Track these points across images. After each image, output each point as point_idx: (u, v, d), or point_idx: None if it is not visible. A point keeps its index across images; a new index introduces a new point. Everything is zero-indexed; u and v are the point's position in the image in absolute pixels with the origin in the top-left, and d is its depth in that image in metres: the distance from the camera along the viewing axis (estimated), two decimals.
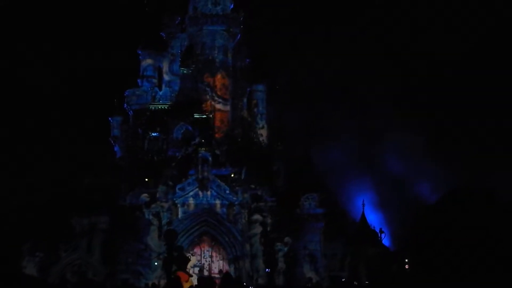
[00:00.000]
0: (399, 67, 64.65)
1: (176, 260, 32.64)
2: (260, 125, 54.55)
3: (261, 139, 54.07)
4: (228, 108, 54.48)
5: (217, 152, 49.89)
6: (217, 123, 53.47)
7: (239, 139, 51.91)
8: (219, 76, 53.95)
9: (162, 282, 43.38)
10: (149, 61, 54.46)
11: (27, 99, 60.16)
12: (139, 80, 54.68)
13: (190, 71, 53.38)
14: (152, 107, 53.07)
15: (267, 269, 47.09)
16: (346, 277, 46.75)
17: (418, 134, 59.48)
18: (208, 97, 53.29)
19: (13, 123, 59.24)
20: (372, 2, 71.07)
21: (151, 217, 46.91)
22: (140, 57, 54.91)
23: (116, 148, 54.56)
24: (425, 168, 57.29)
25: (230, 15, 54.80)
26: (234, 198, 48.09)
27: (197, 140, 50.32)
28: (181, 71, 53.54)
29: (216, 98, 53.64)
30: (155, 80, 54.70)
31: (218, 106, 53.79)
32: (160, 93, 54.11)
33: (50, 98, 60.67)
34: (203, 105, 52.68)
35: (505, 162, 54.38)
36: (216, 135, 52.71)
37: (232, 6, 55.93)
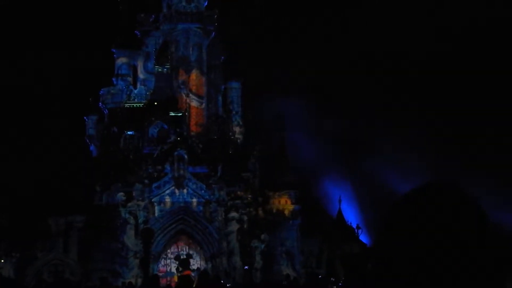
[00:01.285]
0: (375, 65, 65.68)
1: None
2: (236, 123, 54.40)
3: (236, 136, 53.95)
4: (203, 106, 54.24)
5: (195, 149, 49.62)
6: (193, 120, 53.29)
7: (215, 137, 51.66)
8: (193, 73, 53.75)
9: (139, 280, 43.29)
10: (123, 59, 54.04)
11: None
12: (114, 79, 54.27)
13: (165, 70, 53.22)
14: (127, 105, 52.71)
15: (245, 267, 47.11)
16: (323, 274, 46.57)
17: (396, 130, 60.69)
18: (183, 95, 53.07)
19: None
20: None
21: (127, 215, 46.85)
22: (114, 55, 54.42)
23: (91, 148, 53.97)
24: (400, 163, 58.32)
25: (204, 13, 54.44)
26: (211, 196, 48.05)
27: (172, 138, 50.25)
28: (156, 69, 53.35)
29: (191, 95, 53.47)
30: (130, 79, 54.31)
31: (193, 103, 53.68)
32: (135, 91, 53.77)
33: (24, 97, 60.17)
34: (178, 103, 52.50)
35: (478, 159, 55.51)
36: (192, 132, 52.54)
37: (206, 4, 55.48)
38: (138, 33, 54.31)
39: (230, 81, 55.35)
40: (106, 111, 53.43)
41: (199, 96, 53.75)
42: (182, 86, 53.00)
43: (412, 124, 61.93)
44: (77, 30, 62.72)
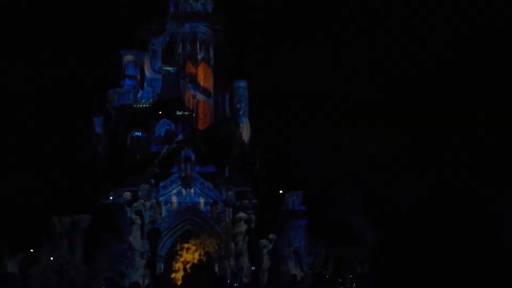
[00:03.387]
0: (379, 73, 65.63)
1: None
2: (243, 124, 53.67)
3: (243, 137, 53.22)
4: (210, 102, 53.81)
5: (202, 149, 49.07)
6: (200, 117, 52.94)
7: (222, 138, 51.04)
8: (201, 67, 53.49)
9: (146, 281, 42.87)
10: (130, 58, 54.00)
11: (10, 101, 59.63)
12: (121, 81, 53.96)
13: (172, 70, 53.02)
14: (134, 105, 52.52)
15: (252, 268, 46.30)
16: (329, 275, 46.14)
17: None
18: (190, 91, 52.54)
19: None
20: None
21: (133, 216, 46.04)
22: (122, 56, 54.11)
23: (99, 147, 53.32)
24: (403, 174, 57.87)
25: (211, 12, 54.35)
26: (218, 196, 47.14)
27: (180, 137, 49.73)
28: (163, 70, 53.19)
29: (198, 89, 53.04)
30: (137, 80, 54.03)
31: (201, 98, 53.32)
32: (142, 92, 53.61)
33: (34, 99, 60.22)
34: (186, 102, 51.99)
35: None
36: (199, 129, 52.03)
37: (213, 5, 55.15)
38: (145, 34, 54.26)
39: (237, 80, 54.48)
40: (113, 112, 53.07)
41: (206, 91, 53.43)
42: (189, 82, 52.67)
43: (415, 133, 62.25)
44: (86, 35, 62.78)
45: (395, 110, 62.23)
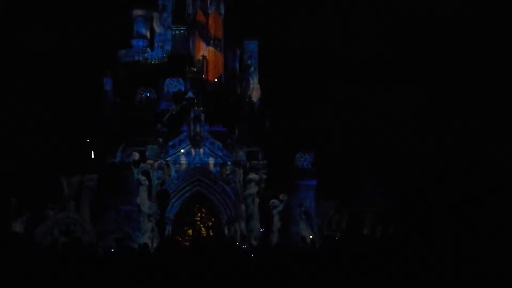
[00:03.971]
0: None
1: None
2: (253, 82, 53.46)
3: (253, 96, 53.09)
4: (221, 52, 53.30)
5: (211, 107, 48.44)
6: (210, 66, 52.21)
7: (231, 97, 50.85)
8: (212, 16, 52.98)
9: (155, 243, 42.24)
10: (140, 13, 53.85)
11: (22, 62, 60.39)
12: (131, 40, 54.08)
13: (182, 31, 52.17)
14: (143, 63, 52.50)
15: (261, 229, 46.47)
16: (339, 237, 45.73)
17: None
18: (201, 43, 52.04)
19: (7, 83, 59.34)
20: None
21: (140, 176, 45.65)
22: (133, 15, 54.19)
23: (108, 107, 53.26)
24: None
25: None
26: (228, 157, 47.01)
27: (189, 94, 49.27)
28: (173, 29, 52.44)
29: (209, 37, 52.57)
30: (147, 40, 54.18)
31: (211, 48, 52.67)
32: (152, 53, 53.46)
33: (45, 59, 60.38)
34: (196, 54, 51.57)
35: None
36: (209, 79, 51.80)
37: None
38: None
39: (248, 38, 54.20)
40: (122, 71, 53.05)
41: (217, 39, 52.87)
42: (198, 30, 52.28)
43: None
44: None
45: (409, 66, 62.16)
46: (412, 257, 19.45)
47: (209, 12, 53.03)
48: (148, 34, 54.72)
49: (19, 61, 60.17)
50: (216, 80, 52.40)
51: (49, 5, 64.46)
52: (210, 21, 53.22)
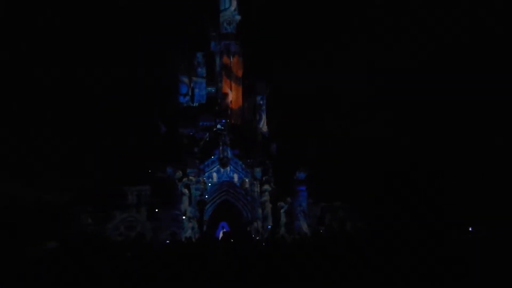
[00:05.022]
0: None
1: None
2: (263, 117, 61.28)
3: (263, 128, 60.34)
4: (240, 86, 61.81)
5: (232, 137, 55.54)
6: (233, 97, 61.32)
7: (248, 131, 58.62)
8: (235, 58, 61.71)
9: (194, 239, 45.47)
10: (184, 79, 63.01)
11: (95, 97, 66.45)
12: (178, 97, 62.75)
13: (213, 90, 61.36)
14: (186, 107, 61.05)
15: (269, 226, 52.90)
16: (323, 231, 50.61)
17: None
18: (226, 79, 60.64)
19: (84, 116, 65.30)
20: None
21: (183, 189, 52.44)
22: (179, 77, 62.87)
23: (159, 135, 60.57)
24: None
25: (239, 33, 63.20)
26: (248, 173, 53.89)
27: (218, 126, 57.47)
28: (207, 90, 61.61)
29: (232, 75, 60.90)
30: (188, 97, 62.99)
31: (234, 84, 60.99)
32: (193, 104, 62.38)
33: (112, 99, 65.63)
34: (222, 89, 60.08)
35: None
36: (233, 107, 59.65)
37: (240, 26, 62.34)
38: (196, 63, 63.14)
39: (260, 81, 61.83)
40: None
41: (238, 77, 61.10)
42: (224, 70, 60.78)
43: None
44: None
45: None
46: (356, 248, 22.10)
47: (232, 57, 61.22)
48: (190, 91, 62.55)
49: (93, 95, 66.06)
50: (237, 108, 60.35)
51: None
52: (233, 63, 61.31)
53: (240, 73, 62.39)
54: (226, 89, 62.06)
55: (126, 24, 71.68)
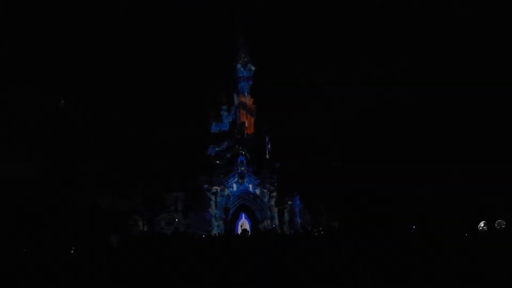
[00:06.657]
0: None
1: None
2: (269, 141, 67.56)
3: (269, 147, 66.81)
4: (253, 117, 68.61)
5: (247, 155, 63.14)
6: (248, 125, 67.91)
7: (259, 152, 65.75)
8: (249, 97, 69.59)
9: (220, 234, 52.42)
10: (214, 123, 70.64)
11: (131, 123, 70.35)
12: (210, 127, 69.01)
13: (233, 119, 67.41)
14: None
15: (273, 225, 59.75)
16: (309, 227, 55.08)
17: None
18: (244, 112, 68.34)
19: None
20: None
21: (211, 196, 60.71)
22: (210, 122, 70.21)
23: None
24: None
25: (253, 75, 70.32)
26: (260, 184, 62.89)
27: (236, 148, 65.62)
28: (230, 128, 67.45)
29: (247, 108, 68.78)
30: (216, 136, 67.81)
31: (249, 116, 68.38)
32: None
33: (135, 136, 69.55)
34: (240, 119, 67.34)
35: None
36: (248, 132, 66.40)
37: (254, 67, 70.24)
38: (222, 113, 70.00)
39: (266, 114, 68.48)
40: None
41: (251, 109, 69.30)
42: (242, 107, 68.24)
43: None
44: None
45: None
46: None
47: (246, 95, 69.88)
48: (218, 130, 69.00)
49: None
50: (251, 134, 67.34)
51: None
52: (247, 100, 69.55)
53: (253, 107, 69.45)
54: (244, 119, 69.18)
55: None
